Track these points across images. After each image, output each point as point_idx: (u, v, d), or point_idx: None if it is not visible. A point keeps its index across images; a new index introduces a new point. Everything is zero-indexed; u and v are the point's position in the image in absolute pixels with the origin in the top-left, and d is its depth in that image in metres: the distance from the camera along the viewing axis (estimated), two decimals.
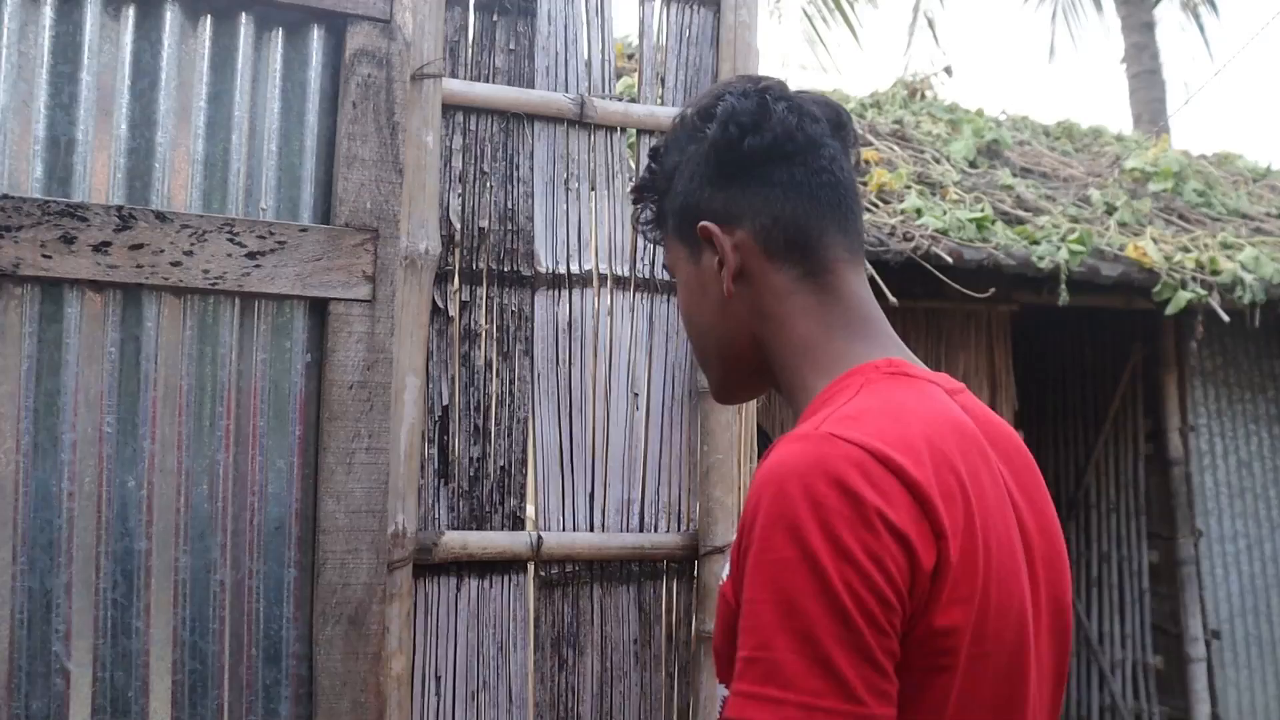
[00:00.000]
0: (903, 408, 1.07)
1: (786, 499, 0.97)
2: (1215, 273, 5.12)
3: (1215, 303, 5.03)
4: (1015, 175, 5.93)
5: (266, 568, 1.78)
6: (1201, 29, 13.69)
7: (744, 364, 1.26)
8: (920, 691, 0.99)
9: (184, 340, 1.73)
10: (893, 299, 4.14)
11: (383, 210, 1.81)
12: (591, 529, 2.10)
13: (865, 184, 5.03)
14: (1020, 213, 5.25)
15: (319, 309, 1.81)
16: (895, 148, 5.78)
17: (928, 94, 7.24)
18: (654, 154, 1.31)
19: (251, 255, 1.73)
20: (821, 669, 0.92)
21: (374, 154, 1.81)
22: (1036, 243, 4.86)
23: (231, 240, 1.72)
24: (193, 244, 1.69)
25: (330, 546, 1.78)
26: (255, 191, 1.79)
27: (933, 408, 1.09)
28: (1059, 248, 4.82)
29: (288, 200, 1.81)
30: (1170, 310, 5.02)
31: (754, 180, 1.19)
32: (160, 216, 1.68)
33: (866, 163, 5.26)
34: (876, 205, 4.81)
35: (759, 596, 0.96)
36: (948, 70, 7.34)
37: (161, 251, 1.67)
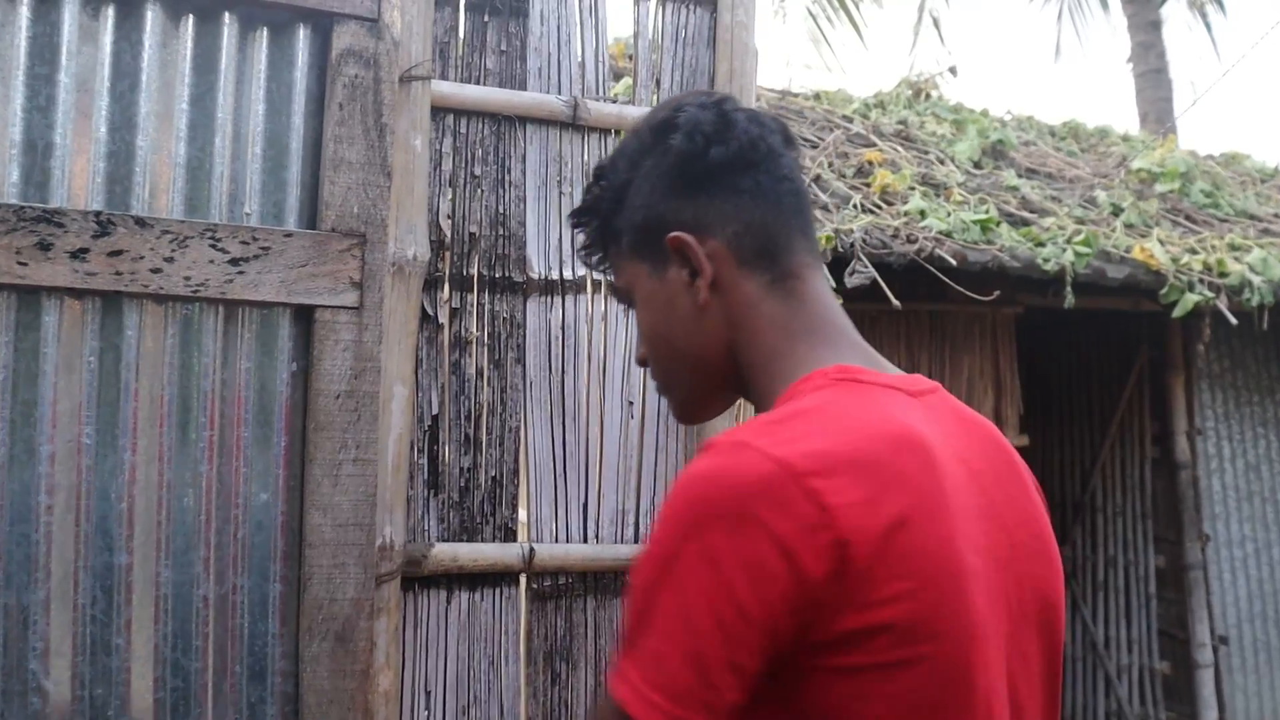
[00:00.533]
0: (830, 414, 1.08)
1: (676, 501, 1.01)
2: (1223, 275, 5.06)
3: (1223, 305, 4.98)
4: (1020, 176, 5.87)
5: (251, 582, 1.73)
6: (1209, 28, 13.61)
7: (717, 377, 1.25)
8: (840, 696, 1.00)
9: (165, 349, 1.68)
10: (895, 302, 4.09)
11: (370, 215, 1.77)
12: (585, 540, 2.06)
13: (868, 185, 4.98)
14: (1025, 214, 5.20)
15: (305, 316, 1.76)
16: (899, 148, 5.72)
17: (932, 94, 7.17)
18: (599, 173, 1.30)
19: (234, 261, 1.68)
20: (657, 664, 0.97)
21: (361, 157, 1.77)
22: (1042, 244, 4.80)
23: (214, 246, 1.67)
24: (173, 250, 1.65)
25: (316, 561, 1.73)
26: (239, 196, 1.75)
27: (869, 413, 1.09)
28: (1064, 249, 4.76)
29: (273, 205, 1.77)
30: (1177, 313, 4.96)
31: (722, 189, 1.20)
32: (140, 222, 1.64)
33: (870, 163, 5.21)
34: (880, 206, 4.75)
35: (634, 582, 1.02)
36: (952, 70, 7.29)
37: (141, 258, 1.63)
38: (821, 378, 1.14)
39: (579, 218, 1.33)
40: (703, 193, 1.20)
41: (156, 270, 1.64)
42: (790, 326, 1.20)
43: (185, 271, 1.65)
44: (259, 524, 1.74)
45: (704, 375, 1.25)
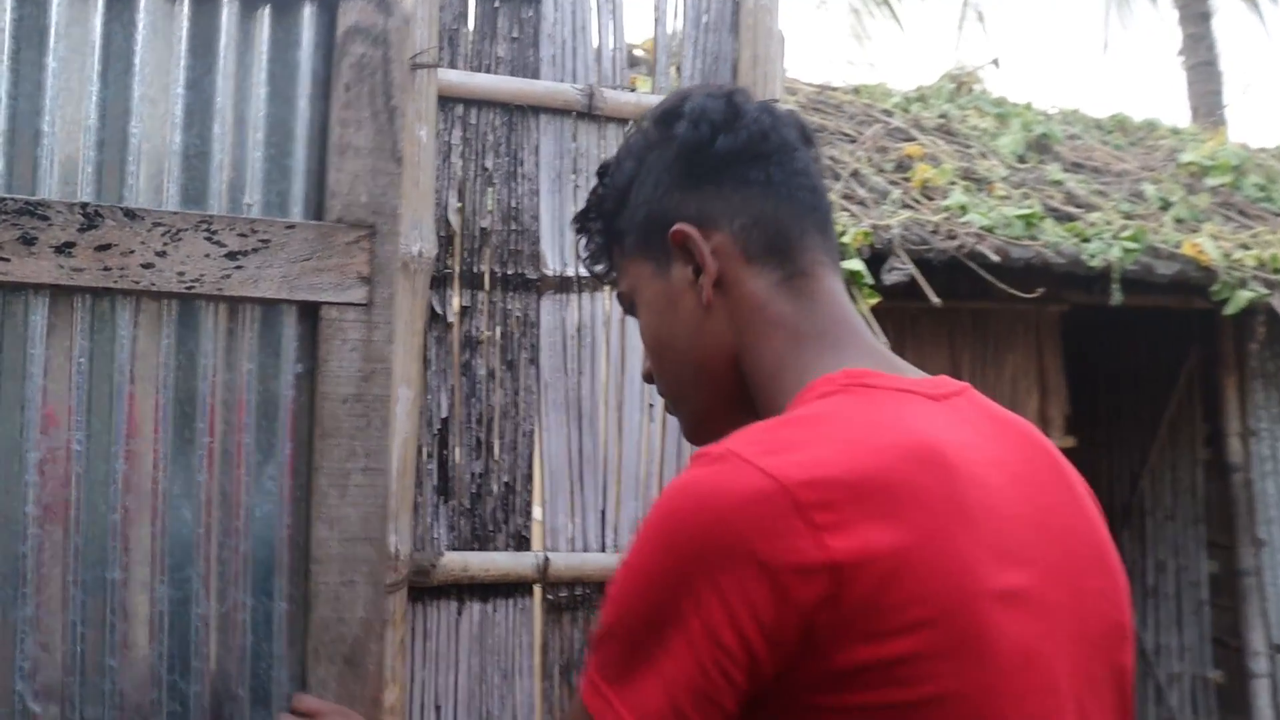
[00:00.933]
0: (832, 423, 0.99)
1: (657, 515, 0.95)
2: (1277, 270, 4.92)
3: (1277, 302, 4.84)
4: (1066, 170, 5.73)
5: (254, 600, 1.61)
6: (1261, 18, 13.35)
7: (724, 389, 1.15)
8: None
9: (161, 350, 1.58)
10: (935, 299, 3.98)
11: (380, 204, 1.65)
12: (603, 549, 1.97)
13: (908, 179, 4.87)
14: (1070, 209, 5.07)
15: (311, 315, 1.65)
16: (940, 142, 5.61)
17: (975, 87, 7.04)
18: (603, 171, 1.23)
19: (232, 255, 1.58)
20: (632, 685, 0.92)
21: (369, 141, 1.65)
22: (1087, 240, 4.67)
23: (209, 239, 1.57)
24: (166, 244, 1.55)
25: (323, 578, 1.61)
26: (240, 186, 1.63)
27: (876, 421, 0.99)
28: (1111, 245, 4.63)
29: (276, 195, 1.65)
30: (1229, 310, 4.82)
31: (729, 180, 1.12)
32: (129, 214, 1.54)
33: (910, 158, 5.09)
34: (919, 202, 4.64)
35: (610, 593, 0.97)
36: (995, 62, 7.15)
37: (131, 253, 1.53)
38: (827, 384, 1.05)
39: (583, 221, 1.25)
40: (709, 184, 1.12)
41: (148, 265, 1.55)
42: (799, 330, 1.11)
43: (179, 266, 1.56)
44: (262, 537, 1.63)
45: (711, 386, 1.16)
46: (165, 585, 1.57)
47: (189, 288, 1.57)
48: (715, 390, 1.16)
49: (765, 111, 1.15)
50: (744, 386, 1.13)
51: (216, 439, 1.61)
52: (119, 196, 1.57)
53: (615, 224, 1.20)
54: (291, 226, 1.61)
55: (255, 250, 1.60)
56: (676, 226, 1.12)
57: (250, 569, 1.62)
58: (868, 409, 1.01)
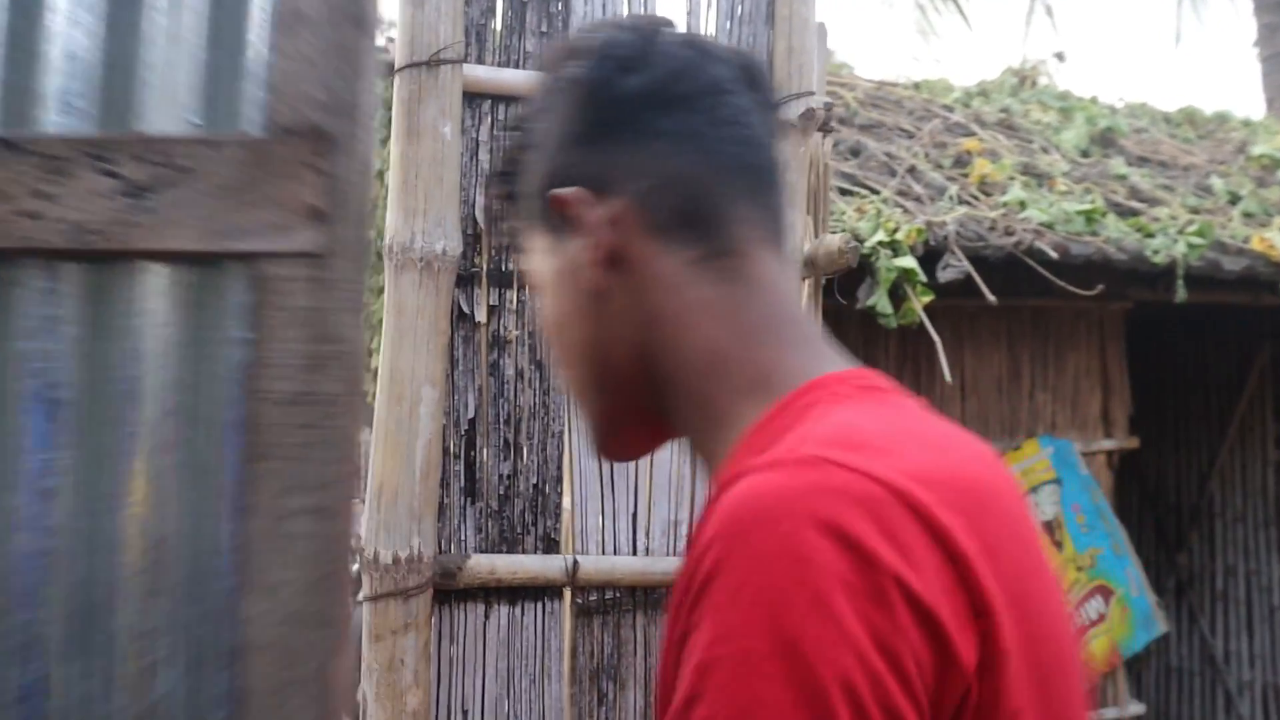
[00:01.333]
0: (909, 429, 0.78)
1: (755, 557, 0.65)
2: None
3: None
4: (1130, 165, 5.59)
5: (187, 688, 0.99)
6: None
7: (632, 390, 0.92)
8: None
9: (61, 334, 1.05)
10: (991, 297, 3.89)
11: (338, 100, 1.02)
12: (634, 552, 1.93)
13: (966, 175, 4.76)
14: (1134, 204, 4.93)
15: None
16: (1000, 137, 5.49)
17: (1039, 81, 6.89)
18: (516, 125, 1.04)
19: (134, 192, 1.05)
20: None
21: (322, 10, 1.05)
22: (1151, 235, 4.54)
23: (104, 171, 1.05)
24: (50, 181, 1.06)
25: (259, 669, 0.98)
26: (178, 97, 1.10)
27: (946, 432, 0.81)
28: (1175, 240, 4.49)
29: (225, 107, 1.10)
30: None
31: (633, 131, 0.89)
32: (7, 145, 1.05)
33: (968, 153, 4.99)
34: (977, 198, 4.54)
35: (707, 710, 0.65)
36: (1059, 56, 7.00)
37: (11, 197, 1.05)
38: (839, 384, 0.82)
39: (494, 188, 1.07)
40: (609, 137, 0.89)
41: (28, 213, 1.05)
42: (738, 319, 0.87)
43: (67, 212, 1.05)
44: (200, 603, 1.01)
45: (615, 386, 0.92)
46: (64, 663, 1.01)
47: (82, 243, 1.06)
48: (620, 390, 0.93)
49: (691, 46, 0.91)
50: (656, 389, 0.90)
51: (143, 457, 1.02)
52: (31, 122, 1.09)
53: (518, 189, 0.98)
54: (213, 144, 1.05)
55: (167, 184, 1.05)
56: (557, 191, 0.89)
57: (183, 649, 1.02)
58: (909, 417, 0.82)
